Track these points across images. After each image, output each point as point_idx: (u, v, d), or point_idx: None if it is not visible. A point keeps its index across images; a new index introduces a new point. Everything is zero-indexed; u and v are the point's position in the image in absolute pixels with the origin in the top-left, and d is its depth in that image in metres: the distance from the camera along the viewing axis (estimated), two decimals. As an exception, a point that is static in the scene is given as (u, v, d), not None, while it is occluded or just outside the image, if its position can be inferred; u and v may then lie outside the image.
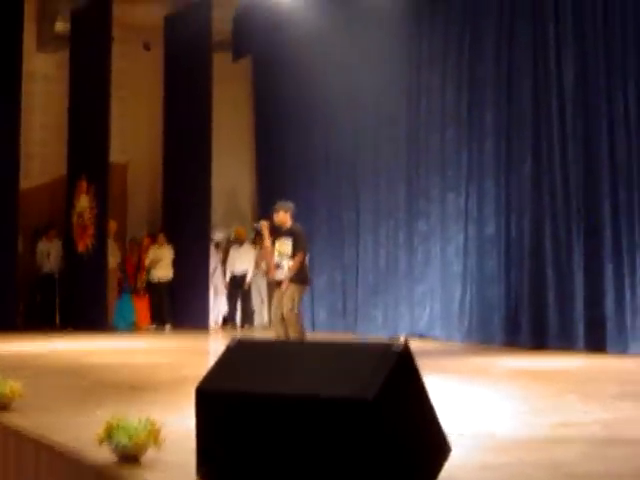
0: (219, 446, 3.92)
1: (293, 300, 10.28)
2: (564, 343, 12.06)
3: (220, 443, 3.92)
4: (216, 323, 17.67)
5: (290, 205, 10.74)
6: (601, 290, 11.73)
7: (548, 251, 12.42)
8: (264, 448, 3.78)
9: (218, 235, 18.09)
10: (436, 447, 3.94)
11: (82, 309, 16.37)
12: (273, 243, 10.57)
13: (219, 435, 3.92)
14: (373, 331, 14.95)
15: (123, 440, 4.26)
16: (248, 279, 17.52)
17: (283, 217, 10.54)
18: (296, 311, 10.34)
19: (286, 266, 10.32)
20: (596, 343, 11.67)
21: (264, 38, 16.89)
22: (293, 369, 3.91)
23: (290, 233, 10.44)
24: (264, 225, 10.67)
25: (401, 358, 3.74)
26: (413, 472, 3.77)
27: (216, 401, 3.95)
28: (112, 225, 17.14)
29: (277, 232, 10.58)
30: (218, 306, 17.86)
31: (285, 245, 10.39)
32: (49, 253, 17.39)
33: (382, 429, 3.55)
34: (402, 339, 10.23)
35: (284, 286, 10.25)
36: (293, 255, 10.32)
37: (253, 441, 3.80)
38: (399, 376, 3.71)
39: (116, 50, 16.69)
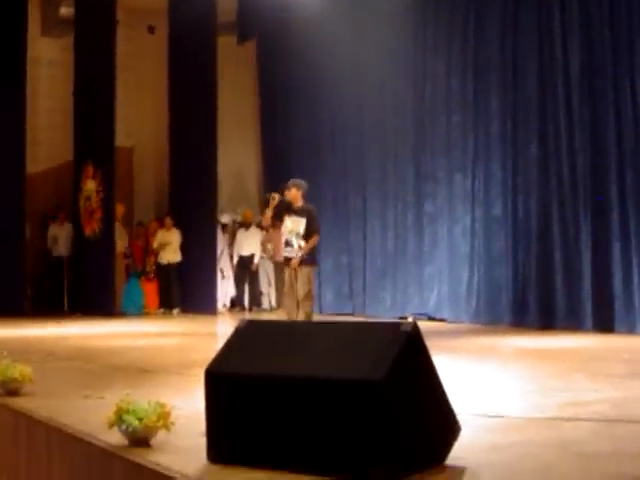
0: (229, 428, 3.93)
1: (310, 282, 10.26)
2: (572, 323, 12.06)
3: (230, 425, 3.93)
4: (224, 306, 17.70)
5: (303, 183, 10.65)
6: (609, 270, 11.72)
7: (555, 232, 12.41)
8: (274, 430, 3.79)
9: (225, 218, 18.09)
10: (446, 427, 3.95)
11: (90, 293, 16.42)
12: (282, 219, 10.51)
13: (229, 417, 3.93)
14: (381, 313, 14.98)
15: (133, 423, 4.26)
16: (255, 261, 17.55)
17: (295, 194, 10.46)
18: (313, 292, 10.37)
19: (296, 244, 10.25)
20: (604, 323, 11.67)
21: (269, 20, 16.85)
22: (302, 350, 3.91)
23: (303, 212, 10.35)
24: (274, 196, 10.59)
25: (410, 338, 3.74)
26: (423, 452, 3.78)
27: (225, 383, 3.96)
28: (119, 209, 17.17)
29: (288, 209, 10.50)
30: (225, 289, 17.89)
31: (297, 223, 10.29)
32: (57, 237, 17.43)
33: (392, 409, 3.56)
34: (410, 320, 10.27)
35: (294, 263, 10.19)
36: (306, 235, 10.26)
37: (262, 423, 3.81)
38: (408, 356, 3.71)
39: (121, 33, 16.68)
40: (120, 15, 16.78)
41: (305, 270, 10.19)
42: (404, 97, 15.18)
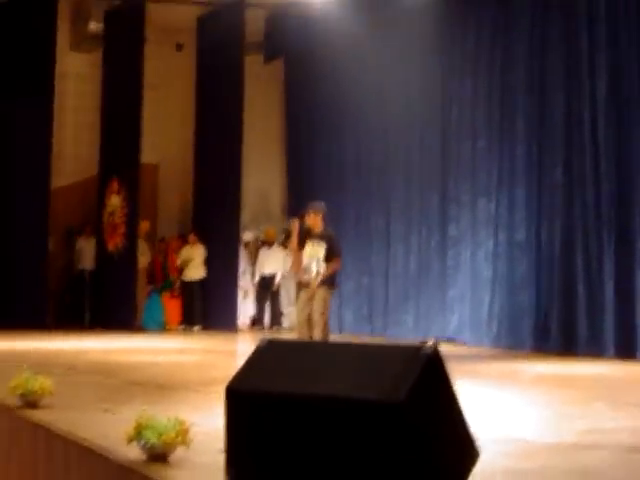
0: (248, 446, 3.93)
1: (325, 303, 10.20)
2: (594, 349, 11.98)
3: (249, 443, 3.92)
4: (244, 324, 17.68)
5: (322, 207, 10.62)
6: (632, 297, 11.63)
7: (579, 258, 12.34)
8: (293, 449, 3.78)
9: (247, 235, 18.10)
10: (465, 451, 3.92)
11: (111, 308, 16.47)
12: (303, 244, 10.50)
13: (248, 435, 3.93)
14: (401, 335, 14.89)
15: (152, 439, 4.27)
16: (277, 280, 17.56)
17: (314, 219, 10.44)
18: (327, 315, 10.30)
19: (315, 270, 10.24)
20: (626, 350, 11.59)
21: (296, 40, 16.93)
22: (323, 370, 3.90)
23: (324, 237, 10.32)
24: (294, 224, 10.60)
25: (431, 360, 3.72)
26: (441, 476, 3.76)
27: (246, 401, 3.95)
28: (144, 225, 17.25)
29: (308, 234, 10.49)
30: (246, 307, 17.88)
31: (318, 248, 10.28)
32: (83, 250, 17.50)
33: (411, 432, 3.54)
34: (431, 342, 10.18)
35: (313, 284, 10.17)
36: (328, 259, 10.25)
37: (282, 442, 3.80)
38: (429, 378, 3.69)
39: (149, 50, 16.77)
40: (149, 32, 16.90)
41: (322, 292, 10.15)
42: (429, 120, 15.18)
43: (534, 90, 13.22)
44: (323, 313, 10.11)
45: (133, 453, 4.39)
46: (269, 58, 18.12)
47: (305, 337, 10.06)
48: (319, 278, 10.16)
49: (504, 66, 13.80)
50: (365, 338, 15.15)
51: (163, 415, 4.43)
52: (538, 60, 13.19)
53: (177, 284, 17.49)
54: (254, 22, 16.97)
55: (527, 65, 13.35)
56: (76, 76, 18.06)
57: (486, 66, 14.15)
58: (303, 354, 4.17)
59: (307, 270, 10.27)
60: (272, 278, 17.60)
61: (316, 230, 10.38)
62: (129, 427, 4.38)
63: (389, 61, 15.77)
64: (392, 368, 3.69)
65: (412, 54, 15.26)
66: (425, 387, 3.65)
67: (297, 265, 10.75)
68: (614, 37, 12.09)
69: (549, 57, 13.03)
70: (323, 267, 10.19)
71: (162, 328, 17.03)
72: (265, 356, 4.12)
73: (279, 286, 17.68)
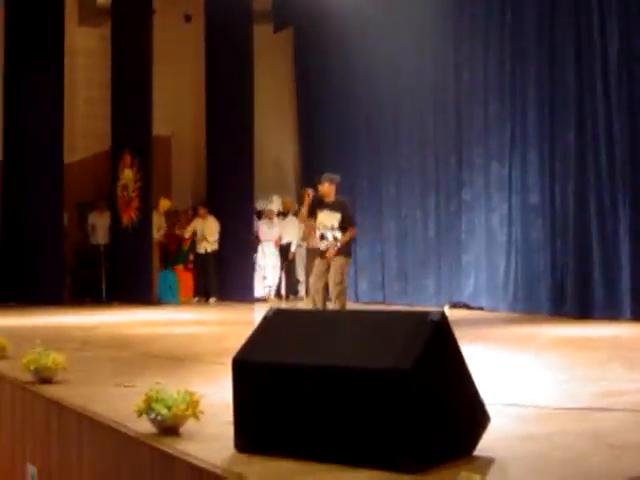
0: (256, 417, 3.91)
1: (343, 273, 10.26)
2: (610, 312, 11.95)
3: (257, 414, 3.91)
4: (268, 294, 17.66)
5: (336, 177, 10.65)
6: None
7: (593, 220, 12.29)
8: (301, 420, 3.76)
9: (259, 205, 18.02)
10: (474, 418, 3.90)
11: (127, 282, 16.51)
12: (315, 213, 10.50)
13: (256, 406, 3.91)
14: (419, 301, 14.87)
15: (162, 411, 4.25)
16: (293, 249, 17.56)
17: (328, 189, 10.46)
18: (345, 284, 10.33)
19: (331, 237, 10.25)
20: (643, 311, 11.56)
21: (305, 9, 16.80)
22: (330, 339, 3.88)
23: (337, 206, 10.34)
24: (308, 193, 10.58)
25: (438, 327, 3.69)
26: (451, 442, 3.74)
27: (253, 372, 3.94)
28: (164, 203, 17.27)
29: (320, 203, 10.49)
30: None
31: (331, 217, 10.30)
32: (97, 225, 17.52)
33: (419, 399, 3.52)
34: (446, 308, 10.19)
35: (331, 252, 10.18)
36: (342, 228, 10.26)
37: (289, 412, 3.79)
38: (436, 345, 3.66)
39: (157, 22, 16.73)
40: (156, 4, 16.85)
41: (339, 261, 10.17)
42: (441, 85, 15.11)
43: (545, 53, 13.13)
44: (340, 282, 10.14)
45: (144, 426, 4.37)
46: (278, 28, 18.03)
47: (319, 306, 10.07)
48: (336, 247, 10.16)
49: (515, 30, 13.68)
50: (380, 306, 15.14)
51: (176, 387, 4.41)
52: (548, 23, 13.09)
53: (190, 257, 17.50)
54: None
55: (538, 28, 13.24)
56: (85, 51, 18.06)
57: (497, 30, 14.04)
58: (310, 324, 4.16)
59: (324, 238, 10.27)
60: (288, 247, 17.60)
61: (328, 199, 10.37)
62: (139, 400, 4.36)
63: (399, 28, 15.67)
64: (399, 336, 3.66)
65: (422, 20, 15.17)
66: (433, 354, 3.63)
67: (308, 232, 10.78)
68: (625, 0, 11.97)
69: (560, 20, 12.92)
70: (339, 235, 10.20)
71: (177, 301, 17.06)
72: (272, 326, 4.10)
73: (295, 255, 17.67)
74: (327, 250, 10.25)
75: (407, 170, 15.80)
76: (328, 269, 10.25)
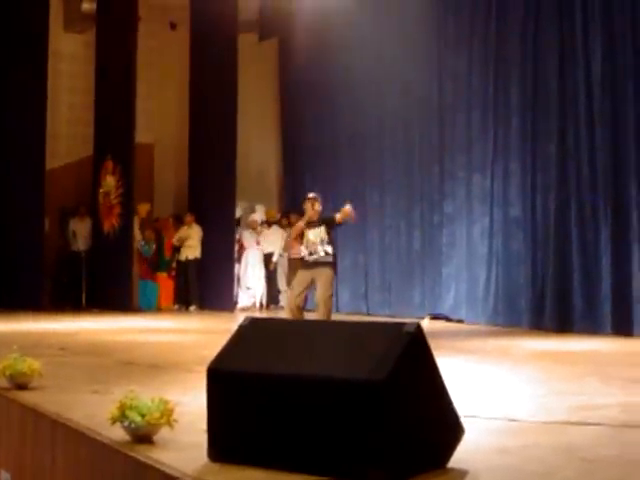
0: (230, 426, 3.91)
1: (332, 286, 10.42)
2: (590, 326, 11.97)
3: (231, 423, 3.90)
4: (254, 304, 17.65)
5: (316, 195, 10.75)
6: (628, 271, 11.63)
7: (574, 233, 12.32)
8: (274, 429, 3.75)
9: (254, 215, 17.98)
10: (449, 430, 3.90)
11: (107, 289, 16.45)
12: (303, 233, 10.53)
13: (230, 415, 3.91)
14: (400, 312, 14.88)
15: (136, 419, 4.24)
16: (274, 259, 17.55)
17: (314, 210, 10.51)
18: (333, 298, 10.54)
19: (322, 252, 10.28)
20: (622, 325, 11.58)
21: (291, 19, 16.83)
22: (305, 349, 3.88)
23: (319, 221, 10.41)
24: (314, 207, 10.56)
25: (413, 339, 3.69)
26: (425, 455, 3.74)
27: (228, 381, 3.93)
28: (144, 207, 17.23)
29: (308, 224, 10.52)
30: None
31: (317, 233, 10.35)
32: (77, 232, 17.46)
33: (393, 411, 3.52)
34: (426, 320, 10.20)
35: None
36: (330, 241, 10.33)
37: (263, 422, 3.78)
38: (411, 357, 3.67)
39: (142, 30, 16.73)
40: (142, 11, 16.86)
41: (327, 271, 10.21)
42: (424, 94, 15.15)
43: (528, 62, 13.15)
44: (331, 296, 10.33)
45: (118, 434, 4.36)
46: (264, 37, 18.04)
47: (296, 316, 10.07)
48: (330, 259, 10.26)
49: (498, 39, 13.72)
50: (361, 317, 15.14)
51: (153, 395, 4.40)
52: (532, 34, 13.13)
53: (173, 264, 17.46)
54: (248, 0, 16.89)
55: (521, 39, 13.28)
56: (70, 56, 18.03)
57: (481, 39, 14.09)
58: (286, 333, 4.15)
59: (314, 252, 10.29)
60: (270, 257, 17.59)
61: (314, 219, 10.43)
62: (114, 408, 4.35)
63: (383, 37, 15.70)
64: (374, 347, 3.66)
65: (406, 30, 15.21)
66: (407, 366, 3.63)
67: (290, 242, 10.83)
68: (608, 6, 12.02)
69: (543, 31, 12.97)
70: (330, 249, 10.27)
71: (154, 309, 17.00)
72: (247, 335, 4.10)
73: (276, 265, 17.66)
74: (316, 262, 10.27)
75: (390, 180, 15.82)
76: (312, 281, 10.28)
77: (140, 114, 16.56)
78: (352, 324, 4.23)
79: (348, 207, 10.34)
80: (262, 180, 19.29)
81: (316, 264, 10.25)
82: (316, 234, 10.33)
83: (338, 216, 10.37)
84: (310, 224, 10.45)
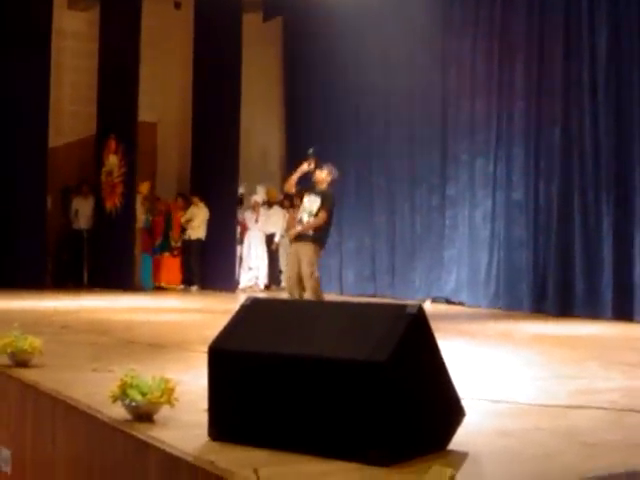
0: (231, 406, 3.90)
1: (312, 264, 9.91)
2: (591, 310, 11.99)
3: (232, 403, 3.90)
4: (256, 285, 17.65)
5: (336, 171, 10.47)
6: (630, 258, 11.63)
7: (577, 218, 12.32)
8: (275, 409, 3.75)
9: (242, 189, 17.96)
10: (450, 412, 3.90)
11: (110, 268, 16.46)
12: (302, 194, 10.41)
13: (231, 395, 3.90)
14: (403, 295, 14.88)
15: (136, 398, 4.23)
16: (276, 240, 17.55)
17: (323, 177, 10.27)
18: (316, 274, 10.08)
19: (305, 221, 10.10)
20: (624, 311, 11.60)
21: (295, -1, 16.78)
22: (307, 329, 3.87)
23: (321, 193, 10.18)
24: (309, 162, 10.36)
25: (415, 320, 3.69)
26: (425, 436, 3.74)
27: (229, 360, 3.93)
28: (146, 186, 17.20)
29: (310, 186, 10.36)
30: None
31: (313, 203, 10.14)
32: (79, 210, 17.46)
33: (393, 392, 3.52)
34: (427, 303, 10.18)
35: (291, 233, 10.12)
36: (316, 214, 10.11)
37: (264, 402, 3.78)
38: (413, 338, 3.66)
39: (146, 8, 16.64)
40: (146, -10, 16.76)
41: (306, 248, 9.96)
42: (430, 77, 15.10)
43: (533, 47, 13.12)
44: (311, 275, 9.90)
45: (118, 412, 4.36)
46: (268, 17, 17.98)
47: (295, 296, 9.94)
48: (298, 228, 10.04)
49: (503, 24, 13.68)
50: (366, 298, 15.13)
51: (154, 374, 4.39)
52: (538, 19, 13.09)
53: (179, 244, 17.47)
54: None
55: (527, 24, 13.24)
56: (73, 35, 17.97)
57: (486, 25, 14.05)
58: (287, 313, 4.15)
59: (300, 222, 10.16)
60: (272, 237, 17.59)
61: (319, 186, 10.25)
62: (115, 386, 4.34)
63: (388, 19, 15.66)
64: (376, 328, 3.66)
65: (412, 13, 15.15)
66: (409, 347, 3.62)
67: (291, 222, 10.68)
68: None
69: (548, 15, 12.92)
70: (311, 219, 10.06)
71: (152, 288, 16.97)
72: (249, 315, 4.09)
73: (278, 245, 17.66)
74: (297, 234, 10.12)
75: (395, 164, 15.81)
76: (298, 258, 10.07)
77: (143, 93, 16.52)
78: (354, 305, 4.23)
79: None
80: (265, 161, 19.28)
81: (298, 238, 10.08)
82: (312, 203, 10.07)
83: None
84: (313, 189, 10.24)
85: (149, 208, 17.38)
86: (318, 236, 10.12)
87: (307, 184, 10.44)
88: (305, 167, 10.30)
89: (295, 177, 10.38)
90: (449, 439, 3.86)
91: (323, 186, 10.25)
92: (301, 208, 10.30)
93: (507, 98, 13.55)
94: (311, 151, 10.45)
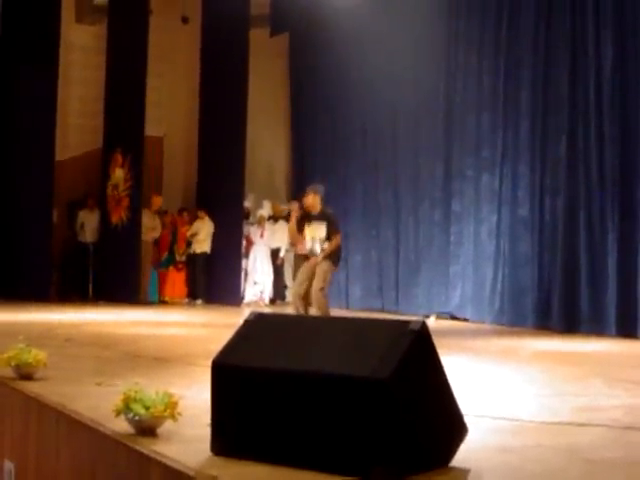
0: (234, 421, 3.91)
1: (325, 280, 10.20)
2: (596, 327, 11.98)
3: (235, 418, 3.90)
4: (261, 299, 17.64)
5: (320, 188, 10.66)
6: (635, 274, 11.60)
7: (582, 234, 12.31)
8: (278, 424, 3.76)
9: (247, 202, 17.99)
10: (452, 428, 3.90)
11: (115, 281, 16.48)
12: (302, 227, 10.52)
13: (234, 409, 3.91)
14: (408, 310, 14.88)
15: (140, 412, 4.24)
16: (281, 254, 17.55)
17: (312, 200, 10.47)
18: (326, 291, 10.27)
19: (319, 250, 10.28)
20: (628, 328, 11.57)
21: (302, 14, 16.83)
22: (310, 345, 3.87)
23: (322, 217, 10.36)
24: (294, 209, 10.64)
25: (418, 337, 3.69)
26: (428, 453, 3.74)
27: (232, 375, 3.93)
28: (156, 200, 17.24)
29: (307, 216, 10.51)
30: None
31: (318, 229, 10.31)
32: (85, 224, 17.49)
33: (397, 408, 3.52)
34: (432, 318, 10.21)
35: (318, 257, 10.22)
36: (329, 238, 10.29)
37: (267, 417, 3.78)
38: (416, 355, 3.66)
39: (154, 23, 16.73)
40: (154, 5, 16.86)
41: (324, 266, 10.16)
42: (436, 93, 15.13)
43: (539, 64, 13.14)
44: (322, 288, 10.08)
45: (122, 426, 4.37)
46: (275, 32, 18.03)
47: (300, 311, 10.04)
48: (322, 255, 10.21)
49: (510, 39, 13.70)
50: (373, 313, 15.12)
51: (158, 388, 4.40)
52: (544, 35, 13.11)
53: (183, 258, 17.49)
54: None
55: (533, 40, 13.26)
56: (81, 48, 18.04)
57: (492, 39, 14.07)
58: (291, 329, 4.15)
59: (311, 252, 10.29)
60: (277, 252, 17.59)
61: (314, 211, 10.39)
62: (118, 400, 4.35)
63: (394, 35, 15.69)
64: (379, 344, 3.66)
65: (418, 28, 15.20)
66: (412, 364, 3.62)
67: (295, 240, 10.78)
68: (620, 9, 11.98)
69: (554, 32, 12.94)
70: (326, 245, 10.23)
71: (157, 301, 16.99)
72: (253, 330, 4.10)
73: (283, 260, 17.66)
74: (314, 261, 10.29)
75: (402, 178, 15.83)
76: (313, 275, 10.25)
77: (150, 107, 16.58)
78: (357, 321, 4.23)
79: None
80: (271, 175, 19.31)
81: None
82: (316, 230, 10.29)
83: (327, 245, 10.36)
84: (311, 217, 10.40)
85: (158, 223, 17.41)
86: (335, 255, 10.44)
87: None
88: (296, 215, 10.51)
89: (293, 227, 10.60)
90: (452, 455, 3.86)
91: (318, 209, 10.39)
92: (307, 237, 10.39)
93: (512, 114, 13.56)
94: (291, 204, 10.77)
